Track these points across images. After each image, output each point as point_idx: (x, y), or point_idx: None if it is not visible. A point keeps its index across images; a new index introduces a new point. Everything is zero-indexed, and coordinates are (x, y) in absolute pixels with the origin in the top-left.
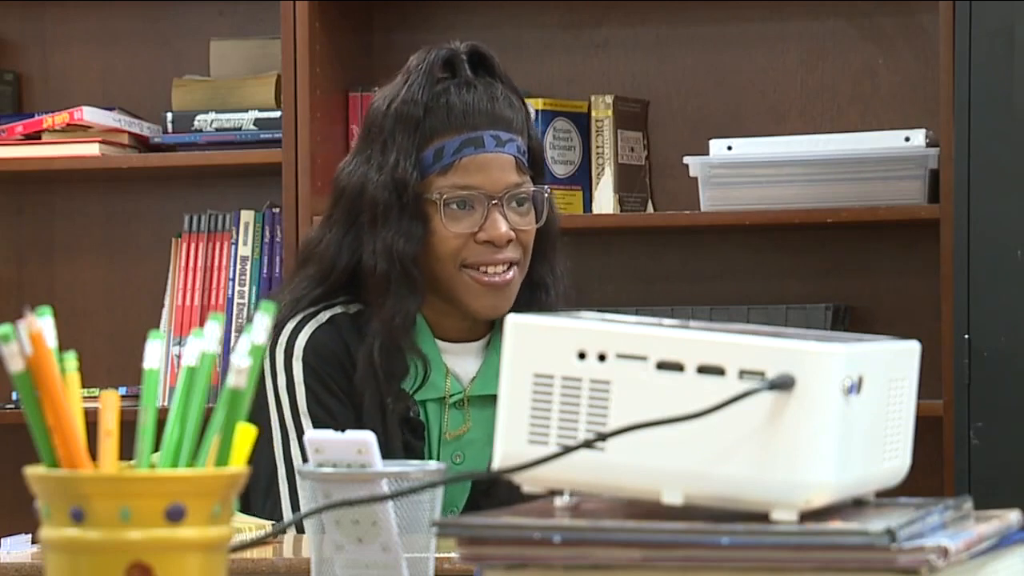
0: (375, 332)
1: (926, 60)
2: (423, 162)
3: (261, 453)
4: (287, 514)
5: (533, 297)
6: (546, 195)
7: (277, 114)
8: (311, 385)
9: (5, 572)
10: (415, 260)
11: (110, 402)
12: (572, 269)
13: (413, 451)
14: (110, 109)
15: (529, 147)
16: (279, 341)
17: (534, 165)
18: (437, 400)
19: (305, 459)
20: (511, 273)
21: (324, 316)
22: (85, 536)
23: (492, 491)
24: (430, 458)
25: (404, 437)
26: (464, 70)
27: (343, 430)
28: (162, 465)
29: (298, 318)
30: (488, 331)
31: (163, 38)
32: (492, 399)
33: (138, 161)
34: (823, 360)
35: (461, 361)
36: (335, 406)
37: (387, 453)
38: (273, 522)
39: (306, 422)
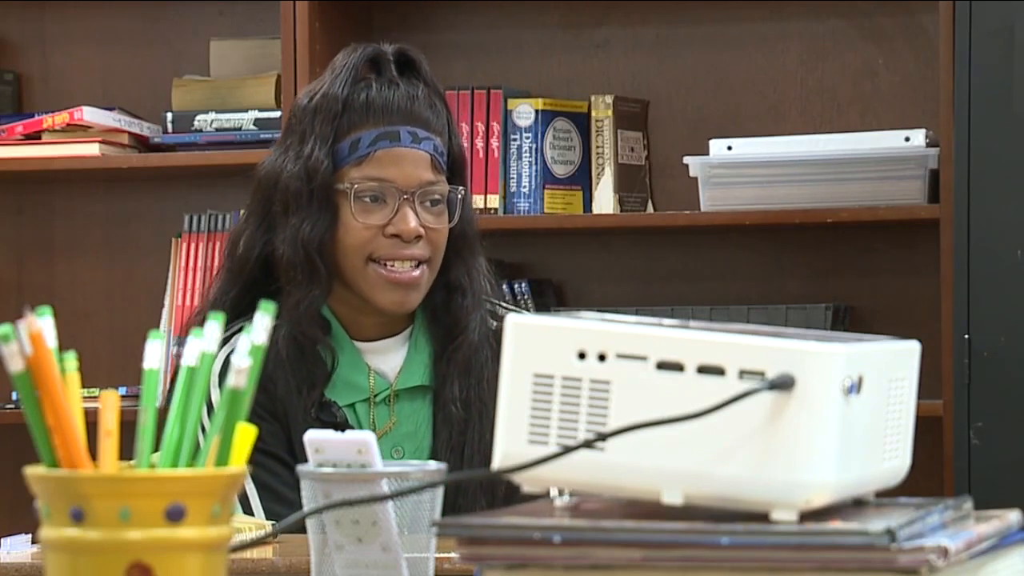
0: (281, 321)
1: (926, 60)
2: (338, 153)
3: None
4: None
5: (450, 298)
6: (460, 196)
7: (277, 114)
8: None
9: (5, 572)
10: (320, 249)
11: (110, 402)
12: (571, 268)
13: None
14: (110, 109)
15: (449, 149)
16: None
17: (453, 167)
18: (363, 401)
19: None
20: (418, 271)
21: (234, 340)
22: (85, 536)
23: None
24: None
25: None
26: (389, 70)
27: (273, 449)
28: (162, 465)
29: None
30: (408, 324)
31: (163, 38)
32: (419, 391)
33: (138, 161)
34: (823, 360)
35: (383, 358)
36: (259, 425)
37: None
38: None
39: None
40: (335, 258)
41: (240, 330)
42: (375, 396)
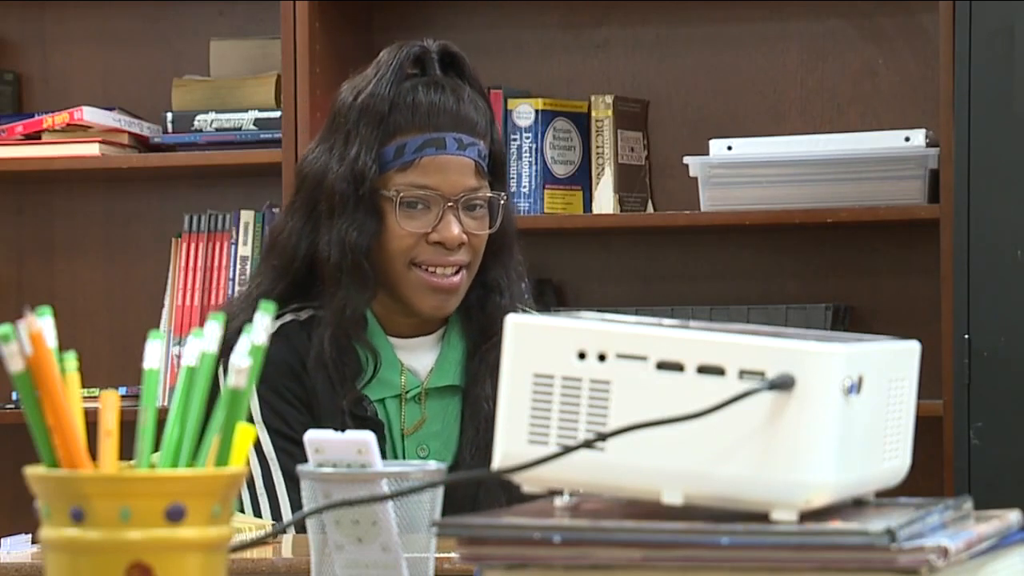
0: (325, 323)
1: (926, 60)
2: (383, 157)
3: None
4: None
5: (487, 298)
6: (501, 201)
7: (277, 114)
8: (264, 395)
9: (5, 572)
10: (367, 253)
11: (110, 402)
12: (572, 268)
13: None
14: (110, 109)
15: (491, 152)
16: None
17: (494, 170)
18: (394, 397)
19: (265, 469)
20: (459, 277)
21: (274, 327)
22: (85, 536)
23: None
24: (394, 455)
25: None
26: (434, 69)
27: (300, 436)
28: (162, 465)
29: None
30: (442, 325)
31: (163, 38)
32: (449, 390)
33: (138, 161)
34: (823, 360)
35: (416, 356)
36: (289, 412)
37: None
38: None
39: (261, 431)
40: (378, 263)
41: (298, 310)
42: (406, 393)
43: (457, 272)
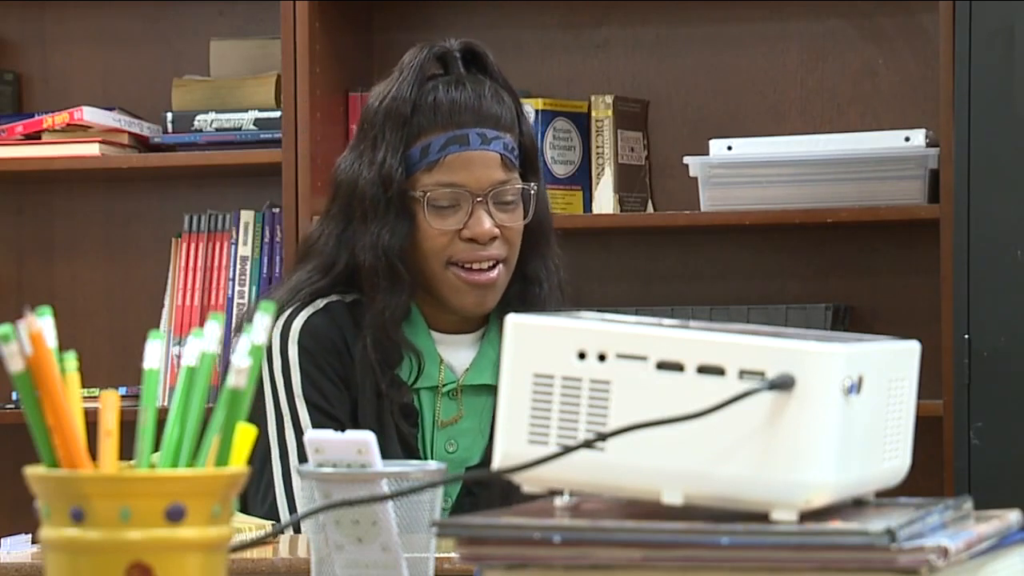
0: (368, 326)
1: (926, 60)
2: (409, 159)
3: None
4: (279, 495)
5: (527, 291)
6: (533, 192)
7: (277, 114)
8: (306, 368)
9: (5, 572)
10: (401, 255)
11: (110, 402)
12: (571, 268)
13: (406, 438)
14: (110, 109)
15: (520, 143)
16: (275, 327)
17: (525, 161)
18: (431, 389)
19: (300, 442)
20: (495, 272)
21: (320, 303)
22: (85, 536)
23: (486, 483)
24: (423, 445)
25: (397, 424)
26: (457, 67)
27: (337, 413)
28: (162, 465)
29: (295, 305)
30: (483, 323)
31: (163, 38)
32: (485, 388)
33: (138, 161)
34: (823, 360)
35: (455, 352)
36: (330, 389)
37: (382, 440)
38: (272, 522)
39: (300, 405)
40: (416, 263)
41: (343, 293)
42: (442, 387)
43: (494, 267)
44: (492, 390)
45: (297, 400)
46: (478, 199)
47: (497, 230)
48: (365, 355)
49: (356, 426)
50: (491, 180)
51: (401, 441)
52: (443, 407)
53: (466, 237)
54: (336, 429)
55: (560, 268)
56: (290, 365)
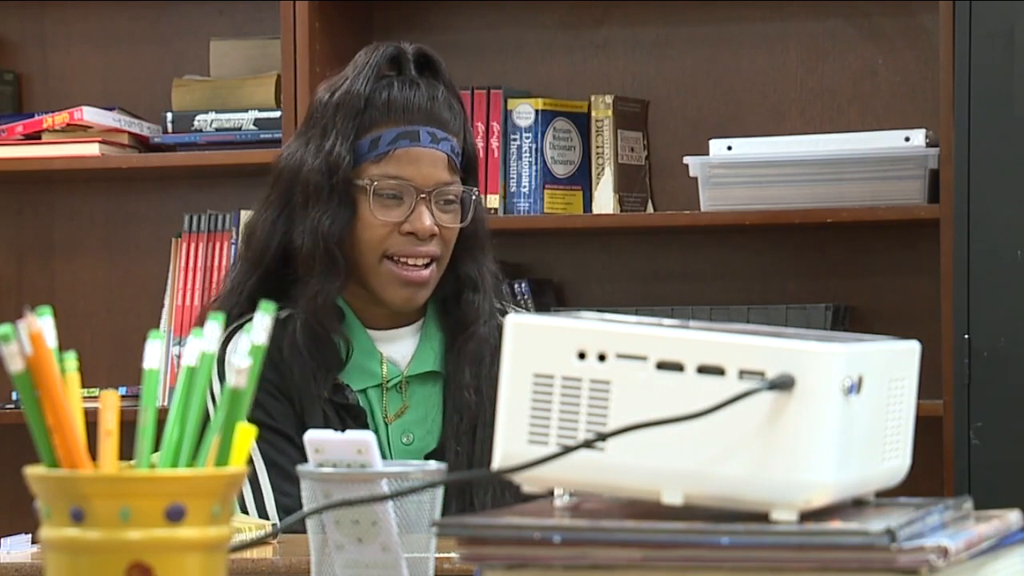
0: (298, 311)
1: (926, 60)
2: (358, 149)
3: None
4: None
5: (461, 292)
6: (474, 197)
7: (277, 114)
8: None
9: (5, 572)
10: (339, 242)
11: (110, 402)
12: (571, 268)
13: None
14: (110, 109)
15: (464, 150)
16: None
17: (467, 167)
18: (376, 386)
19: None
20: (428, 270)
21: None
22: (85, 536)
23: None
24: (378, 442)
25: (345, 425)
26: (409, 69)
27: (281, 426)
28: (162, 465)
29: (228, 331)
30: (419, 315)
31: (163, 38)
32: (429, 376)
33: (138, 161)
34: (823, 360)
35: (395, 346)
36: (270, 404)
37: None
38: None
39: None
40: (351, 254)
41: (248, 320)
42: (387, 382)
43: (428, 265)
44: (438, 378)
45: None
46: (422, 195)
47: (436, 228)
48: (293, 345)
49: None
50: (436, 179)
51: None
52: (389, 402)
53: (406, 231)
54: (283, 441)
55: (496, 273)
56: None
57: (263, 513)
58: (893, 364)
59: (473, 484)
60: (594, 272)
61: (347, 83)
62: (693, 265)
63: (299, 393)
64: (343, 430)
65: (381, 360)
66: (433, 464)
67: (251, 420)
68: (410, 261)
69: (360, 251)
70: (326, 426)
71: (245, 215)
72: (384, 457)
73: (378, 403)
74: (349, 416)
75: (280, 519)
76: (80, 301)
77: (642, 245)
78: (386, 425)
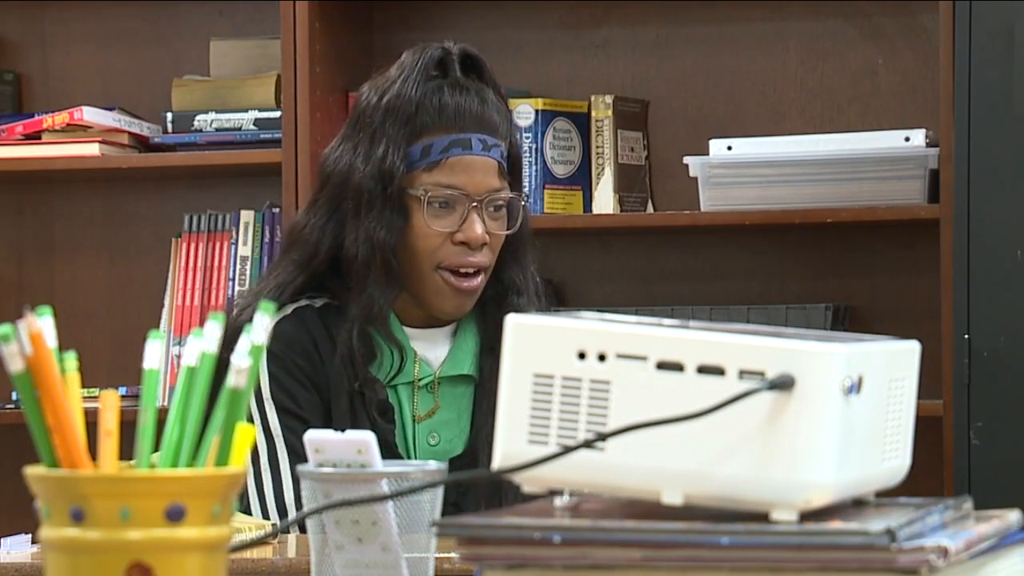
0: (353, 318)
1: (926, 60)
2: (410, 156)
3: None
4: (251, 495)
5: (505, 296)
6: (522, 203)
7: (277, 114)
8: (274, 372)
9: (5, 572)
10: (395, 251)
11: (110, 402)
12: (571, 268)
13: (383, 435)
14: (110, 109)
15: (510, 154)
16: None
17: (512, 172)
18: (407, 384)
19: (270, 445)
20: (478, 279)
21: (288, 309)
22: (85, 536)
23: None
24: (405, 440)
25: (374, 421)
26: (455, 71)
27: (307, 415)
28: (162, 465)
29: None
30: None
31: (163, 38)
32: (461, 379)
33: (138, 161)
34: (823, 360)
35: (430, 346)
36: (299, 391)
37: None
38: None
39: (269, 408)
40: (404, 260)
41: (313, 297)
42: (419, 380)
43: (477, 274)
44: (469, 380)
45: (266, 403)
46: (474, 204)
47: (488, 236)
48: (347, 351)
49: (329, 427)
50: (488, 186)
51: (378, 438)
52: (420, 401)
53: (458, 240)
54: (305, 430)
55: (536, 277)
56: (259, 371)
57: (279, 497)
58: (893, 364)
59: (503, 485)
60: (594, 272)
61: (396, 86)
62: (693, 265)
63: (329, 385)
64: (371, 425)
65: (415, 359)
66: (433, 464)
67: (279, 406)
68: (461, 270)
69: (413, 260)
70: (353, 420)
71: (245, 215)
72: (409, 456)
73: (408, 401)
74: (378, 411)
75: (296, 505)
76: (80, 301)
77: (642, 245)
78: (414, 424)
